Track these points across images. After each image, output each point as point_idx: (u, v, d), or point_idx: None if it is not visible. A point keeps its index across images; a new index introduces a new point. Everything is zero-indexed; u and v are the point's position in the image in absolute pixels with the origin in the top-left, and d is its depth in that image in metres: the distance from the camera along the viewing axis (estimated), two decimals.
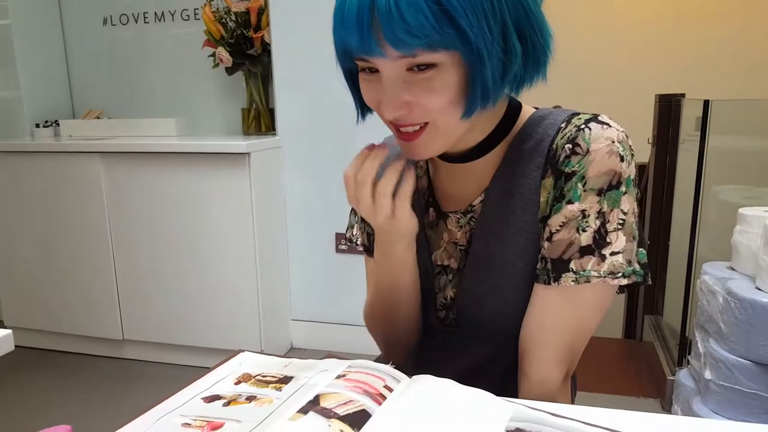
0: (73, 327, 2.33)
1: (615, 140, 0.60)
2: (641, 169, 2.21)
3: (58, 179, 2.23)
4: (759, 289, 1.32)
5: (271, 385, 0.54)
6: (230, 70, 2.28)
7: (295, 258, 2.33)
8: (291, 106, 2.22)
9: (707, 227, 1.78)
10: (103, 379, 2.17)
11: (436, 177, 0.73)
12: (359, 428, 0.46)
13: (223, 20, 2.23)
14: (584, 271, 0.60)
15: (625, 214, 0.60)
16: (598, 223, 0.59)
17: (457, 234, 0.70)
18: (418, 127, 0.59)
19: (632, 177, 0.61)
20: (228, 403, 0.51)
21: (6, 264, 2.38)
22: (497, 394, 0.53)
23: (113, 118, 2.56)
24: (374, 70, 0.58)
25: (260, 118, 2.33)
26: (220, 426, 0.47)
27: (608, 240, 0.59)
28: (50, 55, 2.57)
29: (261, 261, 2.11)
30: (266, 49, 2.23)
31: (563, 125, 0.63)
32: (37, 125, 2.48)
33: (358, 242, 0.80)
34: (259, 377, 0.57)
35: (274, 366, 0.60)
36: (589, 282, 0.60)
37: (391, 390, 0.53)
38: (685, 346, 1.78)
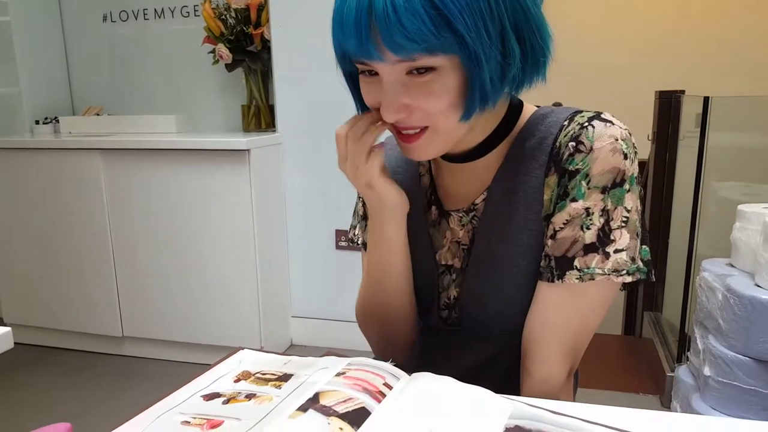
0: (73, 324, 2.33)
1: (618, 138, 0.60)
2: (641, 165, 2.21)
3: (57, 176, 2.22)
4: (758, 286, 1.33)
5: (270, 383, 0.54)
6: (230, 67, 2.28)
7: (295, 255, 2.33)
8: (291, 103, 2.22)
9: (707, 224, 1.78)
10: (102, 376, 2.17)
11: (438, 176, 0.73)
12: (358, 426, 0.46)
13: (223, 17, 2.23)
14: (588, 268, 0.60)
15: (628, 211, 0.60)
16: (602, 220, 0.60)
17: (459, 233, 0.70)
18: (418, 130, 0.59)
19: (635, 174, 0.61)
20: (227, 401, 0.52)
21: (5, 261, 2.38)
22: (498, 393, 0.53)
23: (113, 115, 2.56)
24: (374, 73, 0.58)
25: (260, 115, 2.33)
26: (220, 424, 0.48)
27: (612, 237, 0.60)
28: (50, 52, 2.57)
29: (261, 258, 2.11)
30: (266, 45, 2.22)
31: (566, 123, 0.63)
32: (37, 122, 2.48)
33: (359, 242, 0.80)
34: (258, 375, 0.57)
35: (274, 363, 0.60)
36: (593, 279, 0.60)
37: (390, 387, 0.53)
38: (684, 343, 1.78)
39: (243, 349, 0.64)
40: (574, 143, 0.60)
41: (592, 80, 2.90)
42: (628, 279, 0.61)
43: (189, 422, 0.48)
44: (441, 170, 0.72)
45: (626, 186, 0.60)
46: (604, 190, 0.59)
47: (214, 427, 0.47)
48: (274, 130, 2.26)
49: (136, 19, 2.50)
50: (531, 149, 0.64)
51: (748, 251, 1.41)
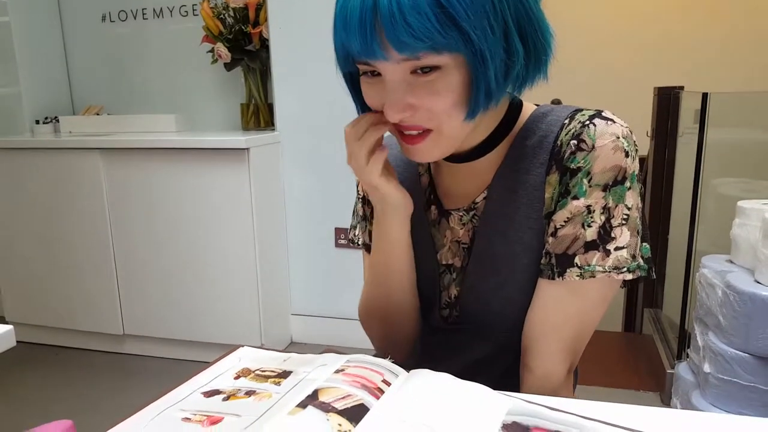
0: (74, 322, 2.34)
1: (620, 136, 0.60)
2: (640, 162, 2.20)
3: (58, 175, 2.23)
4: (758, 282, 1.33)
5: (270, 380, 0.54)
6: (229, 66, 2.28)
7: (295, 253, 2.33)
8: (290, 102, 2.22)
9: (706, 220, 1.78)
10: (103, 374, 2.18)
11: (438, 175, 0.73)
12: (357, 422, 0.47)
13: (222, 16, 2.22)
14: (589, 265, 0.60)
15: (629, 209, 0.60)
16: (603, 218, 0.60)
17: (459, 232, 0.70)
18: (422, 131, 0.59)
19: (636, 172, 0.61)
20: (227, 398, 0.52)
21: (7, 260, 2.39)
22: (497, 391, 0.53)
23: (113, 114, 2.56)
24: (376, 74, 0.58)
25: (259, 114, 2.33)
26: (220, 420, 0.48)
27: (613, 235, 0.60)
28: (49, 52, 2.57)
29: (260, 256, 2.11)
30: (264, 44, 2.22)
31: (567, 121, 0.63)
32: (37, 122, 2.48)
33: (359, 242, 0.80)
34: (258, 372, 0.57)
35: (273, 361, 0.60)
36: (593, 277, 0.60)
37: (389, 384, 0.53)
38: (684, 340, 1.78)
39: (243, 346, 0.64)
40: (575, 141, 0.61)
41: (591, 74, 2.90)
42: (629, 276, 0.61)
43: (189, 419, 0.49)
44: (441, 170, 0.73)
45: (627, 184, 0.60)
46: (605, 188, 0.60)
47: (214, 423, 0.48)
48: (273, 129, 2.26)
49: (134, 18, 2.50)
50: (532, 148, 0.64)
51: (748, 247, 1.41)
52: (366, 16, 0.52)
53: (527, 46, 0.57)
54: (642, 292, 2.30)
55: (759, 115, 1.98)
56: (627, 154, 0.60)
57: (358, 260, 0.82)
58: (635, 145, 0.62)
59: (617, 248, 0.60)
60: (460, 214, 0.70)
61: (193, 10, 2.41)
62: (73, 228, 2.26)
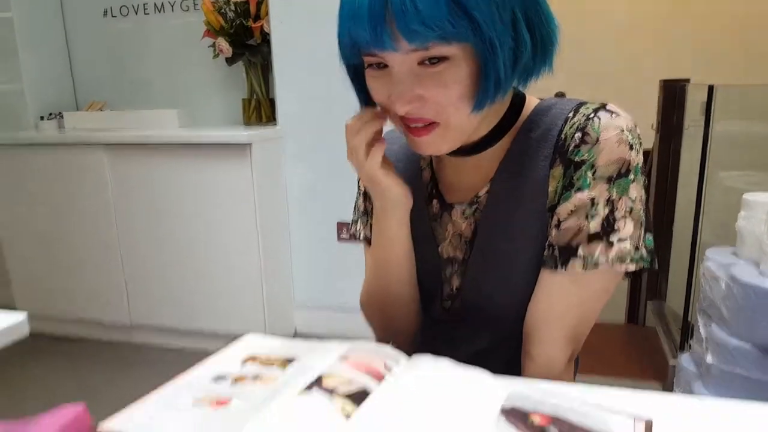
0: (82, 313, 2.37)
1: (624, 129, 0.60)
2: (645, 155, 2.20)
3: (63, 171, 2.25)
4: (763, 275, 1.33)
5: (275, 366, 0.55)
6: (230, 61, 2.28)
7: (297, 247, 2.34)
8: (291, 96, 2.22)
9: (711, 213, 1.78)
10: (111, 363, 2.20)
11: (440, 169, 0.73)
12: (360, 405, 0.47)
13: (223, 10, 2.23)
14: (592, 257, 0.60)
15: (633, 201, 0.61)
16: (606, 210, 0.60)
17: (462, 225, 0.70)
18: (428, 123, 0.59)
19: (640, 165, 0.62)
20: (235, 382, 0.53)
21: (17, 253, 2.41)
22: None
23: (116, 110, 2.57)
24: (382, 66, 0.58)
25: (261, 109, 2.33)
26: (228, 402, 0.49)
27: (616, 227, 0.60)
28: (52, 48, 2.58)
29: (263, 250, 2.13)
30: (266, 38, 2.22)
31: (571, 115, 0.63)
32: (42, 118, 2.49)
33: (361, 236, 0.81)
34: (264, 358, 0.58)
35: (279, 348, 0.61)
36: (596, 268, 0.60)
37: (390, 369, 0.54)
38: (687, 331, 1.79)
39: (249, 334, 0.65)
40: (580, 134, 0.61)
41: (595, 67, 2.89)
42: (632, 267, 0.61)
43: (198, 401, 0.50)
44: (443, 164, 0.73)
45: (631, 176, 0.60)
46: (609, 181, 0.60)
47: (222, 404, 0.48)
48: (275, 124, 2.27)
49: (136, 13, 2.50)
50: (536, 141, 0.65)
51: (753, 240, 1.40)
52: (376, 6, 0.52)
53: (534, 37, 0.57)
54: (645, 284, 2.31)
55: (766, 108, 1.97)
56: (631, 147, 0.60)
57: (360, 254, 0.82)
58: (639, 137, 0.62)
59: (620, 240, 0.60)
60: (463, 207, 0.70)
61: (194, 4, 2.41)
62: (79, 221, 2.28)
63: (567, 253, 0.62)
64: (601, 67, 2.92)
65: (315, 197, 2.28)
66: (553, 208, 0.63)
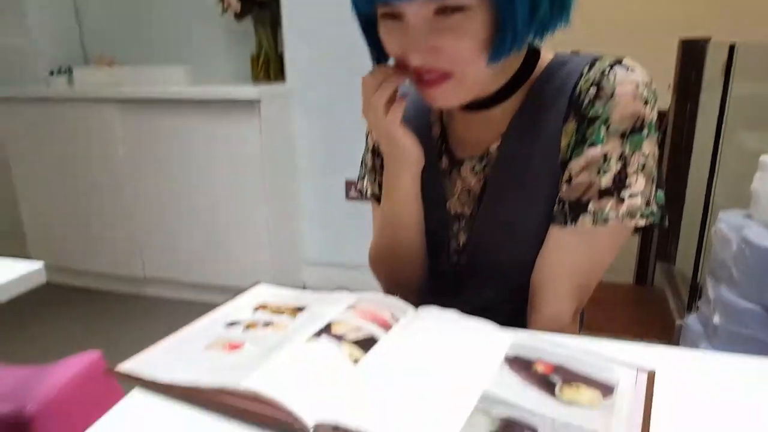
0: (96, 266, 2.43)
1: (640, 84, 0.59)
2: (661, 115, 2.16)
3: (74, 126, 2.26)
4: None
5: (286, 314, 0.57)
6: (239, 16, 2.24)
7: (306, 204, 2.36)
8: (301, 52, 2.19)
9: (726, 175, 1.75)
10: (124, 314, 2.26)
11: (451, 124, 0.73)
12: (367, 351, 0.49)
13: None
14: (602, 212, 0.60)
15: (646, 156, 0.60)
16: (618, 165, 0.60)
17: (471, 181, 0.70)
18: (442, 75, 0.58)
19: (654, 120, 0.61)
20: (247, 328, 0.54)
21: (31, 206, 2.45)
22: None
23: (124, 65, 2.55)
24: (397, 17, 0.57)
25: (269, 65, 2.30)
26: (240, 346, 0.50)
27: (628, 182, 0.60)
28: (59, 1, 2.54)
29: (272, 207, 2.15)
30: None
31: (586, 69, 0.62)
32: (51, 73, 2.48)
33: (368, 193, 0.81)
34: (275, 306, 0.59)
35: (289, 297, 0.62)
36: (606, 223, 0.60)
37: (397, 319, 0.55)
38: (695, 292, 1.79)
39: (260, 283, 0.67)
40: (595, 89, 0.60)
41: (612, 24, 2.80)
42: (642, 223, 0.61)
43: (211, 346, 0.51)
44: (453, 118, 0.72)
45: (645, 132, 0.60)
46: (623, 136, 0.60)
47: (234, 348, 0.50)
48: (284, 81, 2.24)
49: None
50: (549, 96, 0.64)
51: None
52: None
53: None
54: (655, 246, 2.30)
55: None
56: (646, 102, 0.60)
57: (369, 212, 0.83)
58: (655, 93, 0.61)
59: (631, 195, 0.60)
60: (473, 163, 0.69)
61: None
62: (91, 176, 2.30)
63: (577, 209, 0.61)
64: (618, 24, 2.82)
65: (324, 155, 2.27)
66: (564, 164, 0.63)
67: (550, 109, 0.63)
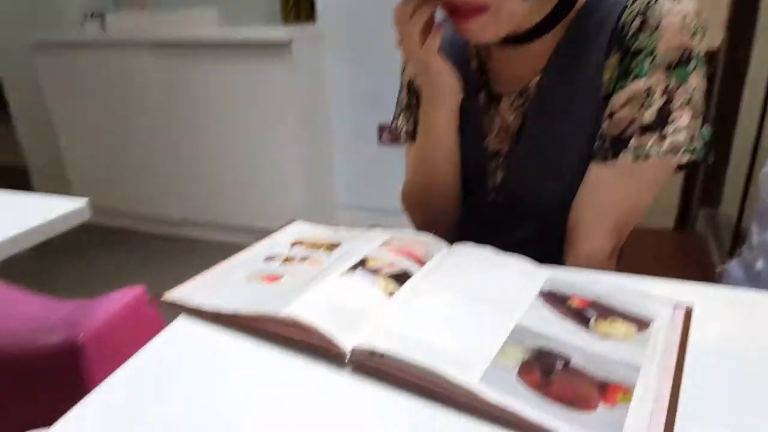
0: (135, 208, 2.52)
1: (687, 14, 0.57)
2: (712, 52, 2.03)
3: (109, 70, 2.29)
4: None
5: (322, 249, 0.58)
6: None
7: (339, 148, 2.36)
8: None
9: None
10: (163, 255, 2.36)
11: (489, 59, 0.70)
12: (401, 285, 0.50)
13: None
14: (644, 148, 0.59)
15: (692, 90, 0.58)
16: (663, 100, 0.58)
17: (510, 117, 0.68)
18: (478, 8, 0.56)
19: (702, 53, 0.58)
20: (284, 262, 0.56)
21: (72, 149, 2.54)
22: None
23: (155, 8, 2.54)
24: None
25: (299, 5, 2.25)
26: (279, 278, 0.52)
27: (672, 117, 0.58)
28: None
29: (305, 151, 2.16)
30: None
31: (630, 2, 0.59)
32: (84, 17, 2.50)
33: (403, 131, 0.80)
34: (311, 242, 0.60)
35: (324, 234, 0.63)
36: (647, 160, 0.59)
37: (432, 255, 0.56)
38: (739, 237, 1.74)
39: (296, 220, 0.68)
40: (639, 21, 0.58)
41: None
42: (684, 159, 0.59)
43: (250, 278, 0.53)
44: (492, 54, 0.70)
45: (692, 64, 0.57)
46: (668, 68, 0.57)
47: (273, 280, 0.52)
48: (314, 21, 2.20)
49: None
50: (592, 30, 0.61)
51: None
52: None
53: None
54: (699, 191, 2.23)
55: None
56: (694, 34, 0.57)
57: (401, 156, 0.82)
58: (703, 24, 0.58)
59: (675, 131, 0.58)
60: (511, 98, 0.68)
61: None
62: (128, 120, 2.36)
63: (618, 145, 0.60)
64: None
65: (356, 99, 2.24)
66: (606, 99, 0.61)
67: (592, 42, 0.61)
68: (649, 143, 0.58)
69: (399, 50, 0.64)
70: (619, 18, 0.59)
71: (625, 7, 0.59)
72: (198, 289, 0.52)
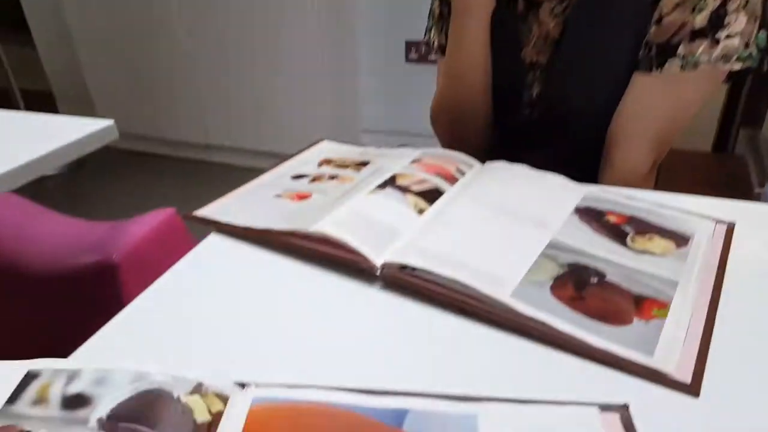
0: (161, 132, 2.53)
1: None
2: None
3: None
4: None
5: (350, 168, 0.57)
6: None
7: (365, 68, 2.28)
8: None
9: None
10: (191, 179, 2.39)
11: None
12: (432, 203, 0.49)
13: None
14: (693, 56, 0.55)
15: None
16: (717, 2, 0.53)
17: (550, 25, 0.64)
18: None
19: None
20: (312, 181, 0.55)
21: (96, 75, 2.52)
22: None
23: None
24: None
25: None
26: (308, 196, 0.52)
27: (726, 21, 0.53)
28: None
29: (329, 71, 2.11)
30: None
31: None
32: None
33: (435, 45, 0.76)
34: (339, 161, 0.59)
35: (353, 152, 0.62)
36: (696, 68, 0.55)
37: (463, 173, 0.54)
38: None
39: (323, 140, 0.67)
40: None
41: None
42: (737, 67, 0.55)
43: (280, 195, 0.53)
44: None
45: None
46: None
47: (302, 198, 0.51)
48: None
49: None
50: None
51: None
52: None
53: None
54: (741, 110, 2.11)
55: None
56: None
57: (429, 75, 0.78)
58: None
59: (728, 36, 0.53)
60: (552, 5, 0.63)
61: None
62: (152, 43, 2.31)
63: (665, 53, 0.55)
64: None
65: (382, 14, 2.14)
66: (655, 3, 0.56)
67: None
68: (699, 50, 0.54)
69: None
70: None
71: None
72: (228, 207, 0.52)
